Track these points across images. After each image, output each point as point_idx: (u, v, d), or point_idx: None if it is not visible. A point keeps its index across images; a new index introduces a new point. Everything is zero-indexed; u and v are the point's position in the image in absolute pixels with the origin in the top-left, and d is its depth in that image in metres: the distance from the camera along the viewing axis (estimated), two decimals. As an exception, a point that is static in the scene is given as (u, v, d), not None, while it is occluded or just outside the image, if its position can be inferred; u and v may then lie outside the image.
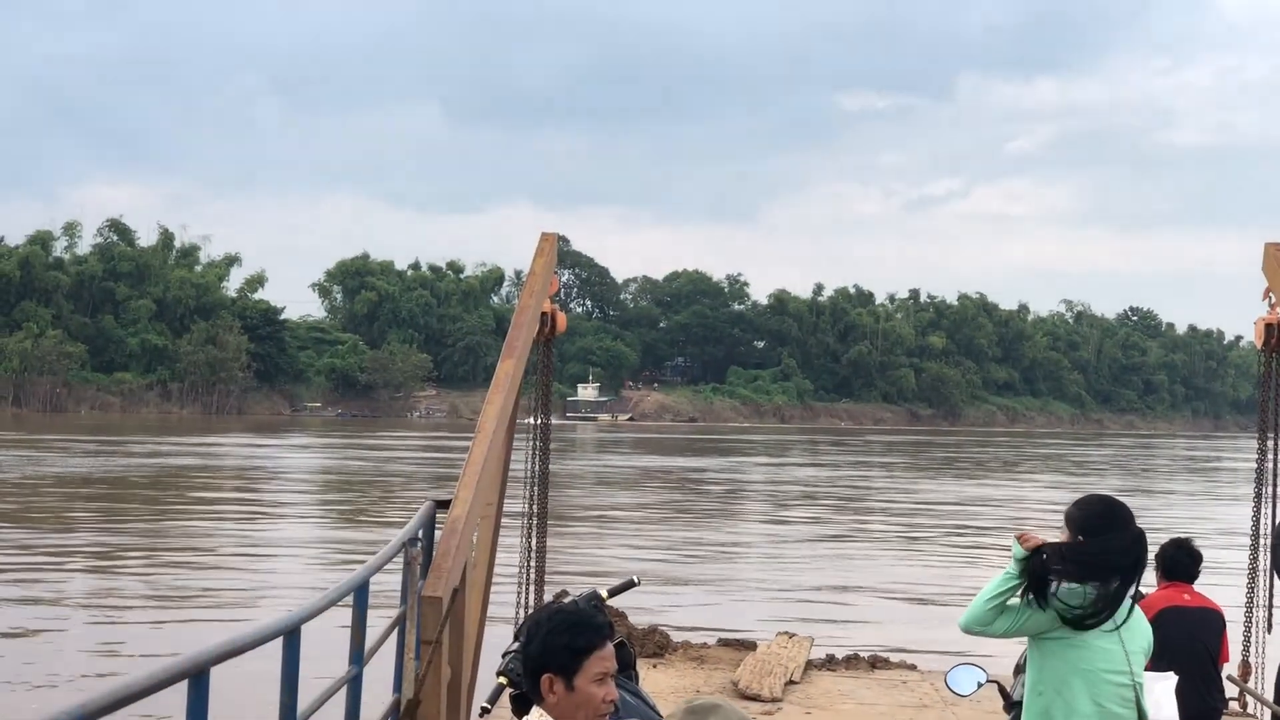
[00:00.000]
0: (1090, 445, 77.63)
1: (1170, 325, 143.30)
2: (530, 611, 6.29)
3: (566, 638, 3.45)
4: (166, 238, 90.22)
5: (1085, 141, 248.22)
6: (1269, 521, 7.39)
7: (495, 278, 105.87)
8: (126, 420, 68.27)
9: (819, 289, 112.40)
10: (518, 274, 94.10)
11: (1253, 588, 7.31)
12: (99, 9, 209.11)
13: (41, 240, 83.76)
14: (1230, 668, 7.56)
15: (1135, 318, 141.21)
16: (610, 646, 3.61)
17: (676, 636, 10.08)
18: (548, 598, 7.30)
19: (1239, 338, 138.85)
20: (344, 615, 5.13)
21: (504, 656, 5.01)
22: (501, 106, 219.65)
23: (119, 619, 15.51)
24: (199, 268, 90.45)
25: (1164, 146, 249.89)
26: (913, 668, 9.50)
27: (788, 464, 49.87)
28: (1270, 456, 7.33)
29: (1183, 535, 6.74)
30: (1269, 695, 7.10)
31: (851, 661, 9.63)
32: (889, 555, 22.89)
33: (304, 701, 4.26)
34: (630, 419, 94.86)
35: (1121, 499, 4.36)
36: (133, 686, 3.22)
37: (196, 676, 3.42)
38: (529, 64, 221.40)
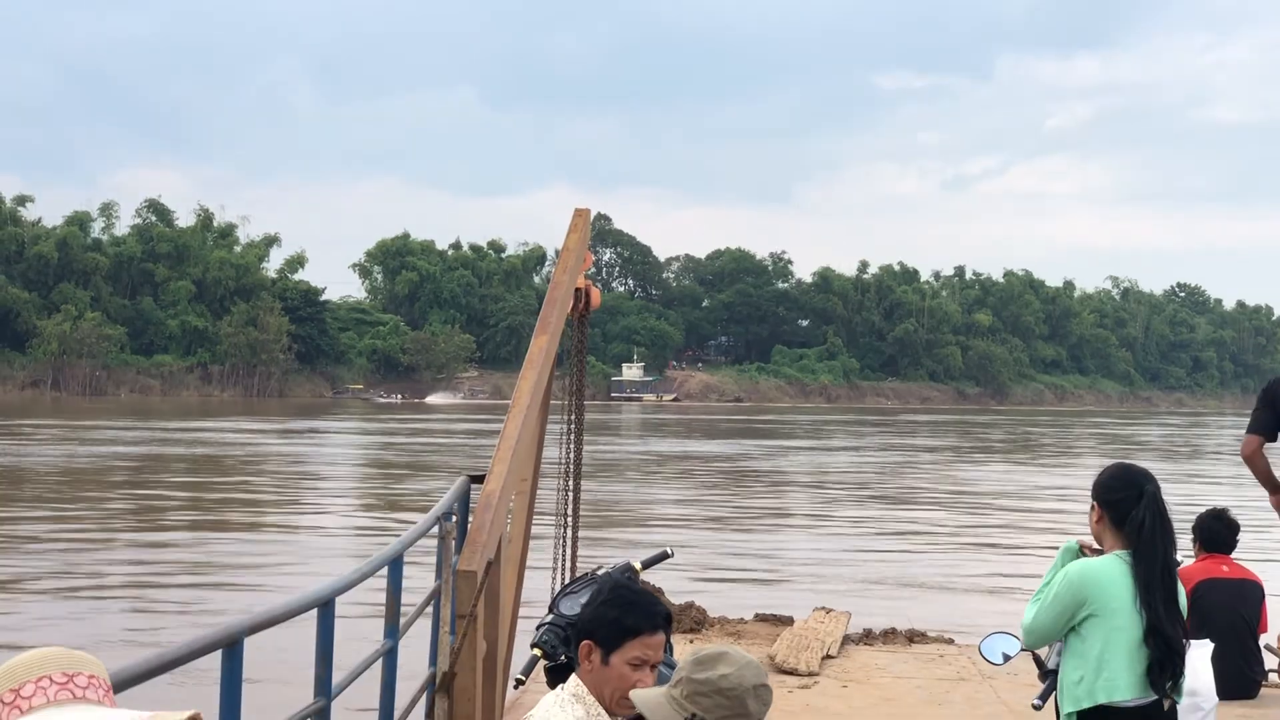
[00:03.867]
0: (1140, 424, 77.72)
1: (1218, 301, 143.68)
2: (561, 585, 6.41)
3: (618, 613, 3.51)
4: (205, 218, 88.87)
5: (1126, 118, 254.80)
6: None
7: (537, 257, 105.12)
8: (167, 403, 67.98)
9: (863, 266, 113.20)
10: (557, 253, 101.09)
11: None
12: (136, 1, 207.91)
13: (79, 221, 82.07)
14: (1269, 638, 7.69)
15: (1183, 294, 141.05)
16: (660, 637, 3.62)
17: (713, 612, 10.26)
18: (582, 572, 7.48)
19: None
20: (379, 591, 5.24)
21: (538, 628, 5.12)
22: (537, 89, 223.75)
23: (162, 585, 16.15)
24: (238, 248, 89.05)
25: (1207, 124, 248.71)
26: (950, 641, 9.71)
27: (835, 448, 49.96)
28: None
29: (1221, 503, 6.77)
30: None
31: (889, 636, 9.83)
32: (937, 543, 22.79)
33: (339, 674, 4.37)
34: (675, 399, 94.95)
35: (1142, 465, 4.53)
36: (167, 655, 3.24)
37: (230, 646, 3.54)
38: (564, 46, 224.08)
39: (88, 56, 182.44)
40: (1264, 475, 6.38)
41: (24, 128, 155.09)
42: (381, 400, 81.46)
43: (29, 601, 15.10)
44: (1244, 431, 6.55)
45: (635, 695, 3.38)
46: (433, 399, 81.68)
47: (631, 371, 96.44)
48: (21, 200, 77.29)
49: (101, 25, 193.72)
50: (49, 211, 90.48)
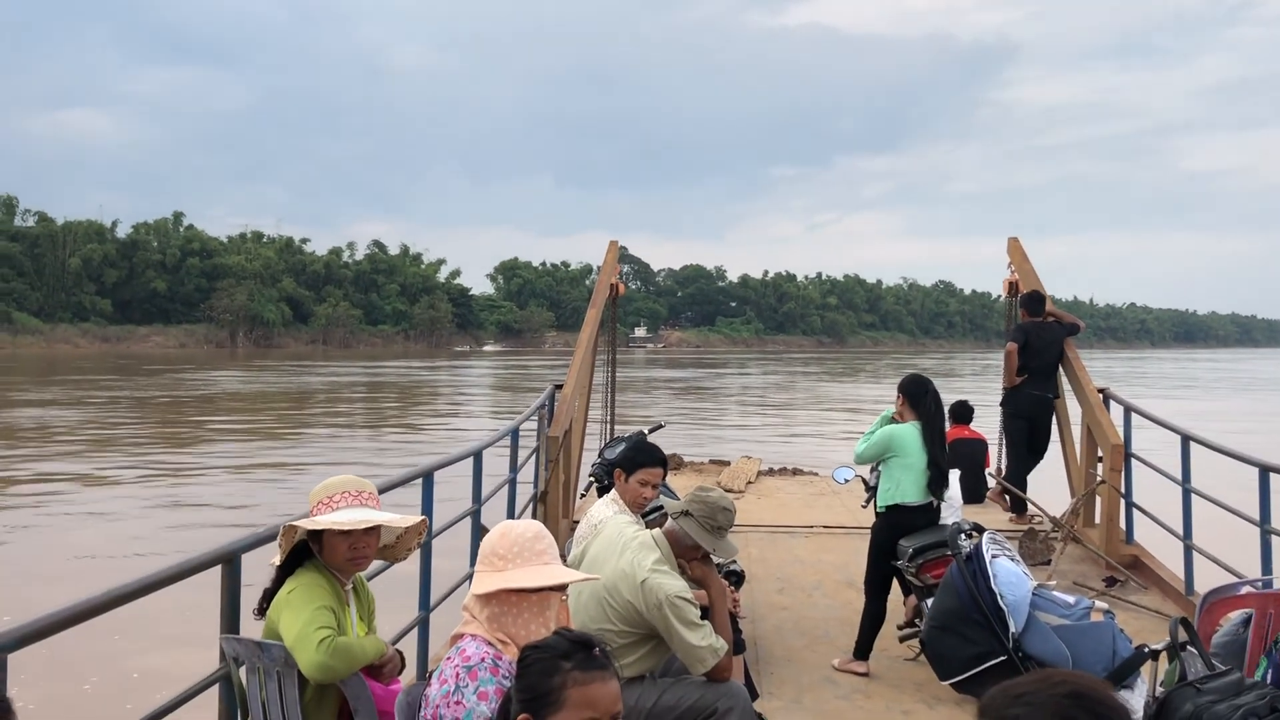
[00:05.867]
0: (920, 359, 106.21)
1: (962, 289, 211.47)
2: (604, 443, 9.36)
3: (634, 454, 5.07)
4: (405, 249, 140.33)
5: (906, 189, 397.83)
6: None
7: (585, 269, 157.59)
8: (385, 352, 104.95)
9: (765, 273, 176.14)
10: (598, 267, 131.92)
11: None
12: (357, 112, 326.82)
13: (335, 252, 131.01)
14: (990, 470, 11.04)
15: (942, 286, 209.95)
16: (659, 470, 5.03)
17: (687, 458, 14.43)
18: (615, 436, 11.40)
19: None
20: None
21: (592, 466, 7.87)
22: (586, 177, 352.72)
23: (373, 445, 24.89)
24: (423, 265, 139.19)
25: (951, 193, 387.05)
26: (815, 474, 13.64)
27: (750, 373, 69.36)
28: None
29: (964, 397, 10.91)
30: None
31: (781, 471, 13.94)
32: (807, 419, 33.15)
33: (485, 490, 6.41)
34: (664, 347, 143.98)
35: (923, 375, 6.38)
36: (420, 468, 6.51)
37: (426, 475, 6.15)
38: (601, 154, 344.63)
39: (340, 164, 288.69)
40: (1010, 370, 10.03)
41: (304, 201, 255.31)
42: (489, 348, 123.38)
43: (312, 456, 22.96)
44: (1004, 344, 10.34)
45: (663, 500, 4.76)
46: (488, 347, 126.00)
47: (639, 331, 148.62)
48: (304, 241, 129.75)
49: (338, 141, 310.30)
50: (319, 246, 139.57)
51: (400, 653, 3.71)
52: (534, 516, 8.21)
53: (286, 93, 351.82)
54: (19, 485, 18.48)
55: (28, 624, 2.40)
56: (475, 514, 6.23)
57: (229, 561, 3.45)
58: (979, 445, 10.77)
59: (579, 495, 9.74)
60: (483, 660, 2.78)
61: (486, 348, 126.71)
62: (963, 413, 10.66)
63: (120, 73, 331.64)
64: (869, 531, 6.31)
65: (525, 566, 2.82)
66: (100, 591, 2.75)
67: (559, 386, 9.26)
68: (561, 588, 2.95)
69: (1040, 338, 9.70)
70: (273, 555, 3.67)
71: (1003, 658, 4.92)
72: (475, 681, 2.72)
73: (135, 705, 3.09)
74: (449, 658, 2.85)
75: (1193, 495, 7.61)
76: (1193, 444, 7.62)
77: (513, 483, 7.56)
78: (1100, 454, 8.84)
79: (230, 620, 3.48)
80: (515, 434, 7.64)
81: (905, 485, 5.96)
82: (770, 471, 13.88)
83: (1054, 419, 9.91)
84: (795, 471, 13.91)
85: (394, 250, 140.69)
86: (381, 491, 3.77)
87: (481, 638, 2.85)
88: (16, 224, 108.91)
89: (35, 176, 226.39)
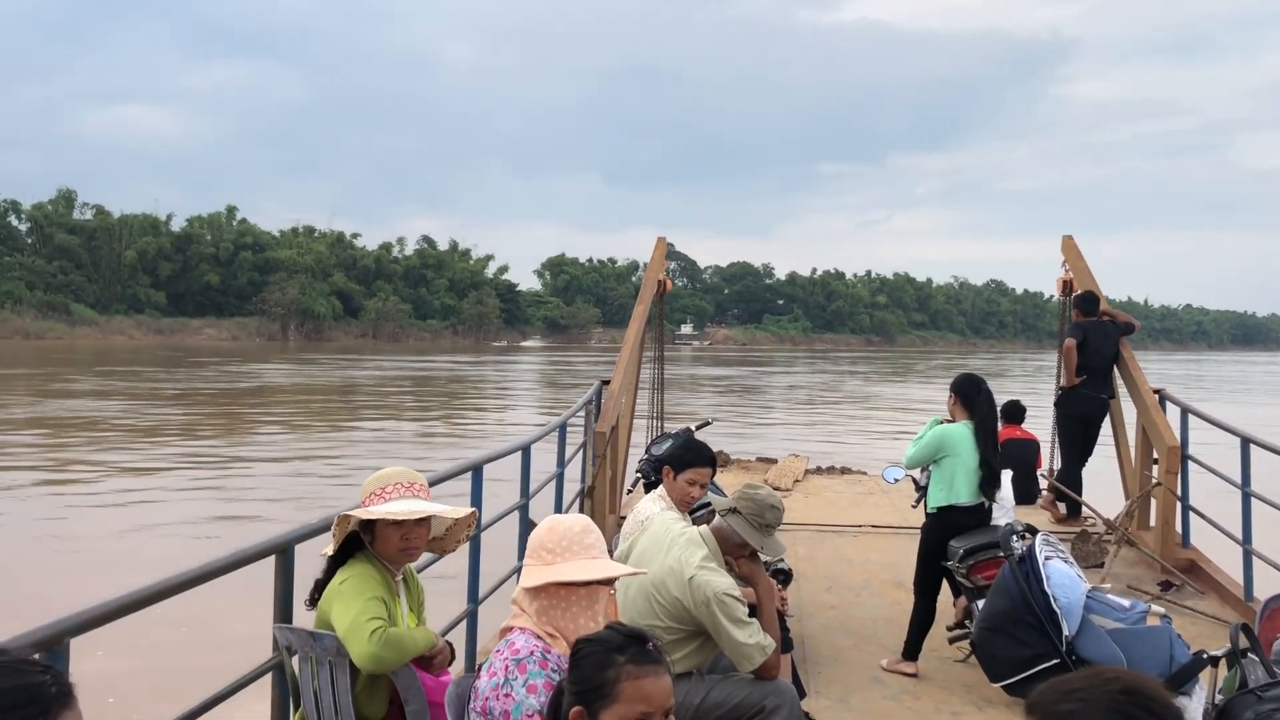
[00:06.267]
0: (970, 358, 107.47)
1: (1014, 289, 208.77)
2: (651, 439, 9.29)
3: (682, 452, 5.06)
4: (454, 245, 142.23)
5: (961, 187, 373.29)
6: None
7: (631, 266, 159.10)
8: (433, 347, 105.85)
9: (814, 270, 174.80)
10: (645, 264, 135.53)
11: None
12: (408, 108, 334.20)
13: (386, 247, 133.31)
14: (1042, 471, 10.96)
15: (994, 285, 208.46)
16: (707, 470, 4.94)
17: (733, 455, 14.45)
18: (661, 432, 11.40)
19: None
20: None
21: (639, 462, 7.79)
22: (634, 174, 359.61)
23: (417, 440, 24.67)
24: (471, 261, 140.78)
25: (1006, 191, 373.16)
26: (864, 473, 13.65)
27: (797, 372, 69.25)
28: None
29: (1016, 397, 10.78)
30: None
31: (830, 470, 13.91)
32: (854, 418, 32.37)
33: (532, 485, 6.45)
34: (710, 344, 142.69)
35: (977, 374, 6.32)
36: (471, 461, 6.23)
37: (476, 469, 6.74)
38: (648, 150, 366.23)
39: (391, 160, 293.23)
40: (1070, 367, 9.94)
41: (355, 196, 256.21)
42: (527, 344, 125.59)
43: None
44: (1061, 342, 10.16)
45: (711, 496, 4.83)
46: (526, 343, 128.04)
47: (685, 328, 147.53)
48: (355, 236, 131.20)
49: (394, 142, 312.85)
50: (370, 241, 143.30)
51: (450, 644, 3.73)
52: (581, 511, 8.26)
53: (339, 89, 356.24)
54: (71, 471, 18.84)
55: (90, 609, 2.45)
56: (523, 508, 6.29)
57: (283, 552, 3.48)
58: (1031, 446, 10.67)
59: (626, 491, 9.73)
60: (531, 653, 2.78)
61: (525, 343, 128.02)
62: (1014, 412, 10.54)
63: (177, 69, 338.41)
64: (918, 531, 6.30)
65: (573, 560, 2.84)
66: (157, 579, 2.79)
67: (606, 382, 9.31)
68: (610, 582, 2.96)
69: (1097, 337, 9.60)
70: (323, 546, 3.70)
71: (1055, 661, 4.86)
72: (524, 674, 2.73)
73: (189, 692, 3.13)
74: (498, 650, 2.86)
75: (1252, 499, 7.47)
76: (1253, 447, 7.47)
77: (560, 478, 7.60)
78: (1155, 456, 8.71)
79: (283, 610, 3.51)
80: (563, 429, 7.68)
81: (957, 485, 5.93)
82: (818, 470, 13.87)
83: (1107, 420, 9.78)
84: (843, 470, 13.89)
85: (443, 246, 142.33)
86: (430, 485, 3.82)
87: (530, 631, 2.86)
88: (75, 217, 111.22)
89: (94, 170, 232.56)
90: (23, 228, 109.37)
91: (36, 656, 2.05)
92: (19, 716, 1.55)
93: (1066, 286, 10.62)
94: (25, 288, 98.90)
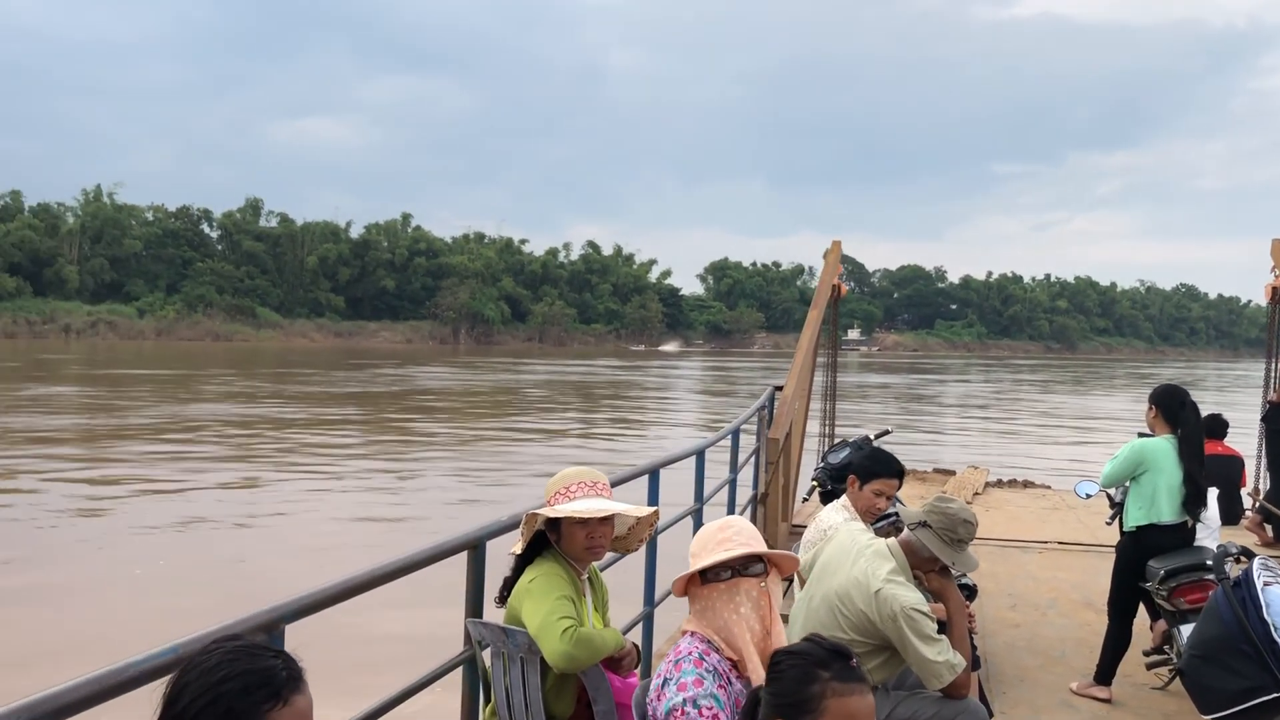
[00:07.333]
0: (1159, 368, 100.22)
1: (1205, 293, 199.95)
2: (827, 447, 9.25)
3: (869, 462, 4.89)
4: (618, 250, 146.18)
5: (1144, 188, 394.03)
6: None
7: (796, 269, 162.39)
8: (596, 350, 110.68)
9: (989, 274, 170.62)
10: (810, 269, 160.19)
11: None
12: (575, 115, 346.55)
13: (552, 252, 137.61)
14: (1247, 489, 10.47)
15: (1184, 290, 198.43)
16: (894, 482, 4.81)
17: (909, 467, 14.14)
18: (837, 439, 11.24)
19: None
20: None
21: (815, 470, 7.50)
22: (796, 177, 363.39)
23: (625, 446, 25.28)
24: (635, 265, 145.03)
25: (1195, 190, 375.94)
26: (1048, 487, 13.23)
27: (972, 380, 68.40)
28: None
29: (1217, 410, 10.15)
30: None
31: (1011, 483, 13.46)
32: (1038, 429, 30.53)
33: (707, 491, 6.43)
34: (878, 350, 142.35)
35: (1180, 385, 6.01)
36: (641, 466, 6.46)
37: (652, 473, 6.80)
38: (810, 155, 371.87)
39: (559, 167, 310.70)
40: None
41: (524, 203, 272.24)
42: (665, 348, 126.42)
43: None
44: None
45: (900, 509, 4.67)
46: (666, 347, 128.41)
47: (853, 334, 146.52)
48: (523, 241, 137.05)
49: (562, 149, 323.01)
50: (537, 247, 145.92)
51: (637, 646, 3.72)
52: (753, 518, 8.19)
53: (509, 98, 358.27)
54: (271, 462, 19.81)
55: (304, 597, 2.53)
56: (697, 513, 6.24)
57: (475, 548, 3.54)
58: (1234, 462, 10.08)
59: (800, 499, 9.63)
60: (689, 654, 2.82)
61: (663, 348, 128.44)
62: (1216, 427, 9.98)
63: (355, 81, 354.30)
64: (1111, 550, 6.05)
65: (708, 556, 2.87)
66: (363, 570, 2.86)
67: (779, 388, 9.25)
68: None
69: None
70: (509, 545, 3.74)
71: (1276, 694, 4.52)
72: (678, 674, 2.78)
73: (383, 680, 3.21)
74: (669, 653, 2.91)
75: None
76: None
77: (732, 483, 7.56)
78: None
79: (474, 605, 3.56)
80: (736, 435, 7.63)
81: (1159, 503, 5.67)
82: (998, 483, 13.45)
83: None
84: (1025, 484, 13.43)
85: (607, 251, 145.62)
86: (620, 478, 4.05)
87: (699, 634, 2.89)
88: (261, 224, 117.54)
89: (278, 180, 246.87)
90: (214, 235, 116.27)
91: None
92: (253, 700, 1.61)
93: (1276, 292, 9.98)
94: (215, 292, 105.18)
